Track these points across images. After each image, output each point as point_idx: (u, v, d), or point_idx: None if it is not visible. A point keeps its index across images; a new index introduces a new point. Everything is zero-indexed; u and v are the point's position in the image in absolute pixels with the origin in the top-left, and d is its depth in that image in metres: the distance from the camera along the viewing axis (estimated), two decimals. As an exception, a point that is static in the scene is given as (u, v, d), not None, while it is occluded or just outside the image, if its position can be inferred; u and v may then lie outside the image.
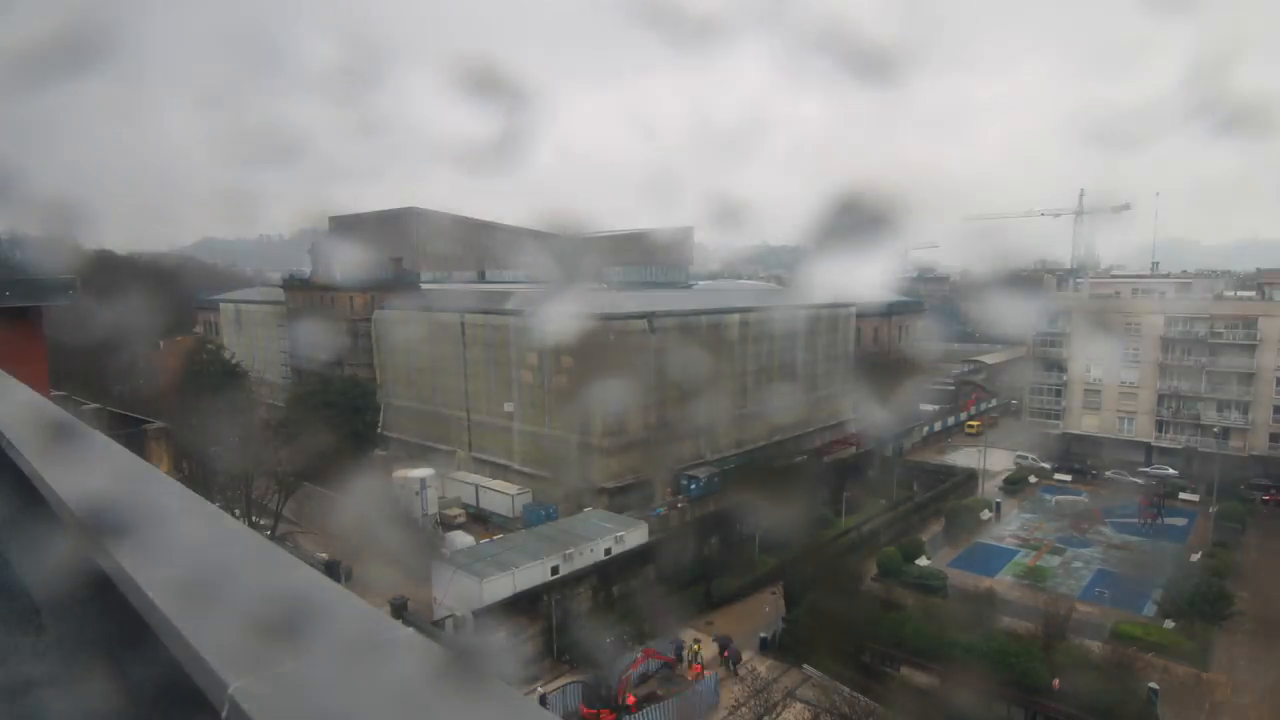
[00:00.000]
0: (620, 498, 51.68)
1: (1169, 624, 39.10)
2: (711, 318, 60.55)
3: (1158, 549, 50.19)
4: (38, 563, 2.40)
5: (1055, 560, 49.87)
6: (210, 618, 1.39)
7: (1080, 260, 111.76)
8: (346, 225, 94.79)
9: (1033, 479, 65.31)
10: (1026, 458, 67.70)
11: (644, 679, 34.13)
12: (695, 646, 36.70)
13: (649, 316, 55.15)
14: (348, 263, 71.06)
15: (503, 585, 37.05)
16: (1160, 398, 67.22)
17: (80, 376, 41.29)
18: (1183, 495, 59.04)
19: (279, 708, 1.12)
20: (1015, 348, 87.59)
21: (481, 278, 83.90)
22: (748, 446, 60.43)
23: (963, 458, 67.89)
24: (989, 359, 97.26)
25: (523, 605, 36.54)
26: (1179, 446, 65.65)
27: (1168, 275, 75.34)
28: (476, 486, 54.15)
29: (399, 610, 35.25)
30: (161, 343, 76.64)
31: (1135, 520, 54.68)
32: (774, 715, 31.53)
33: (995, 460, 64.39)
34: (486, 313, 60.13)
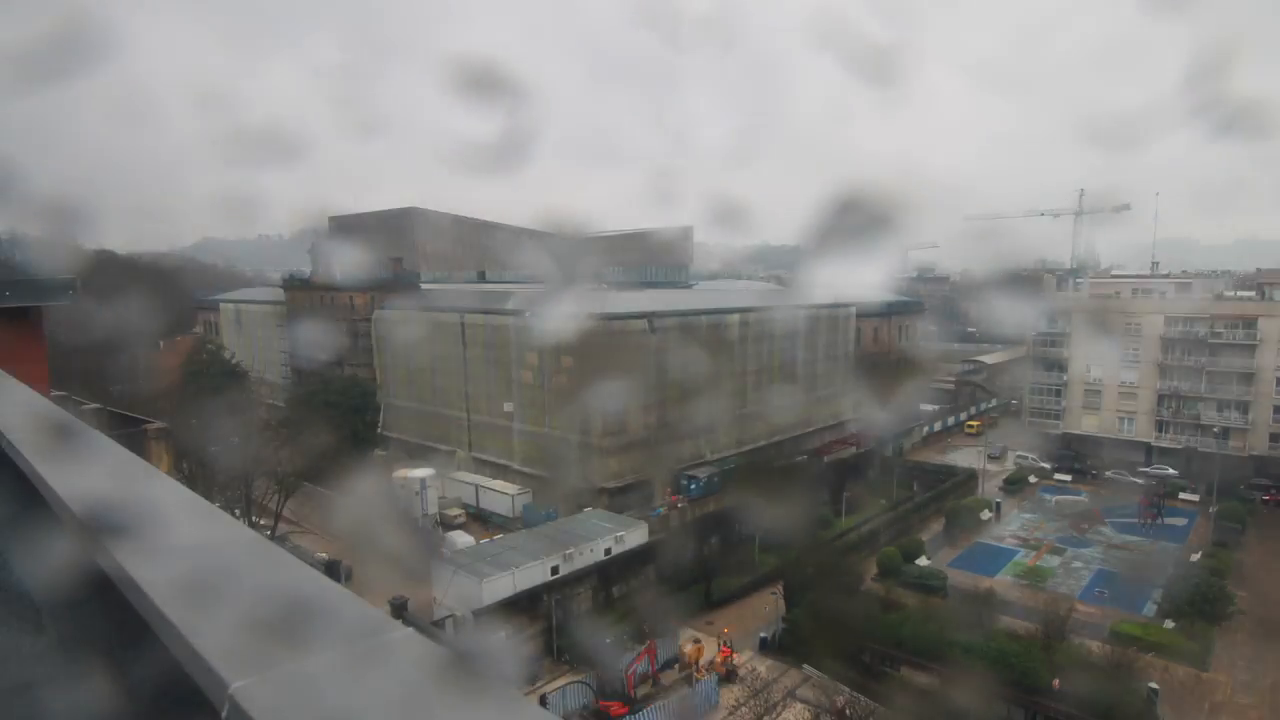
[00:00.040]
0: (620, 498, 51.68)
1: (1169, 624, 39.10)
2: (711, 318, 60.57)
3: (1158, 549, 50.21)
4: (38, 563, 2.39)
5: (1055, 560, 49.87)
6: (210, 618, 1.39)
7: (1080, 260, 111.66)
8: (346, 225, 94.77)
9: (1033, 479, 65.34)
10: (1027, 458, 67.73)
11: (644, 679, 34.14)
12: (698, 646, 36.66)
13: (649, 316, 55.15)
14: (348, 263, 71.10)
15: (503, 585, 37.05)
16: (1160, 398, 67.21)
17: (80, 376, 41.27)
18: (1183, 495, 59.06)
19: (279, 708, 1.12)
20: (1015, 348, 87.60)
21: (481, 278, 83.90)
22: (748, 446, 60.44)
23: (964, 458, 67.95)
24: (989, 359, 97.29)
25: (523, 605, 36.55)
26: (1179, 446, 65.65)
27: (1168, 275, 75.26)
28: (476, 486, 54.16)
29: (399, 610, 35.17)
30: (161, 343, 76.64)
31: (1135, 520, 54.69)
32: (774, 715, 31.53)
33: (995, 460, 64.42)
34: (486, 313, 60.13)
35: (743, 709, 31.25)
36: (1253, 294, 67.54)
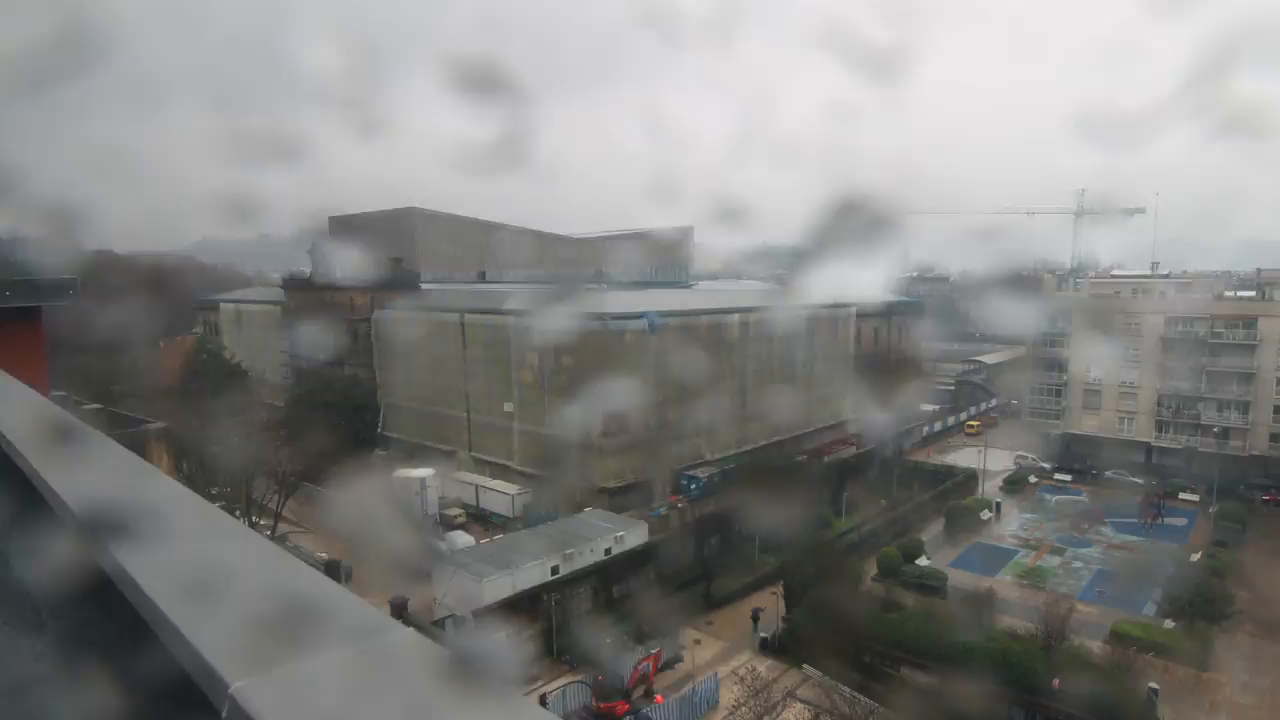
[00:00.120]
0: (620, 498, 51.69)
1: (1169, 624, 39.09)
2: (711, 318, 60.56)
3: (1158, 549, 50.15)
4: (38, 563, 2.40)
5: (1055, 560, 49.88)
6: (210, 618, 1.39)
7: (1080, 260, 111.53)
8: (346, 225, 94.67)
9: (1033, 479, 65.33)
10: (1027, 457, 67.72)
11: (644, 679, 34.13)
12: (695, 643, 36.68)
13: (649, 316, 55.15)
14: (348, 263, 71.02)
15: (503, 585, 37.06)
16: (1160, 398, 67.22)
17: (80, 376, 41.31)
18: (1183, 495, 59.04)
19: (279, 708, 1.13)
20: (1015, 348, 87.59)
21: (481, 278, 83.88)
22: (748, 446, 60.43)
23: (965, 458, 67.90)
24: (989, 359, 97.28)
25: (523, 605, 36.55)
26: (1179, 446, 65.65)
27: (1168, 275, 75.25)
28: (476, 486, 54.16)
29: (399, 610, 35.25)
30: (161, 343, 76.60)
31: (1135, 520, 54.68)
32: (774, 715, 31.51)
33: (995, 460, 64.38)
34: (486, 313, 60.12)
35: (743, 709, 31.23)
36: (1253, 294, 67.55)
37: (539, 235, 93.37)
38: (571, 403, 51.59)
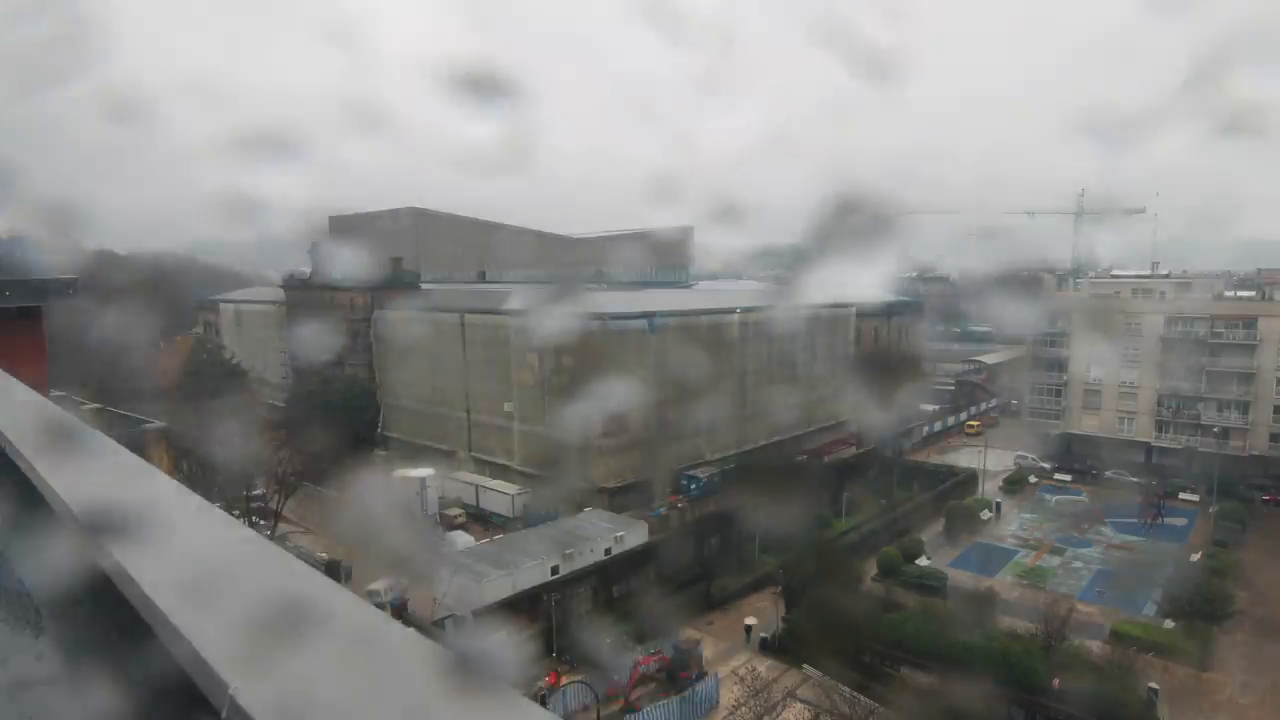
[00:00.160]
0: (620, 498, 51.69)
1: (1169, 624, 39.09)
2: (711, 318, 60.55)
3: (1158, 549, 50.16)
4: (38, 563, 2.40)
5: (1055, 560, 49.87)
6: (211, 618, 1.39)
7: (1080, 260, 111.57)
8: (346, 225, 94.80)
9: (1033, 479, 65.33)
10: (1027, 458, 67.73)
11: (644, 679, 34.13)
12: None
13: (649, 316, 55.16)
14: (348, 263, 71.00)
15: (503, 585, 37.05)
16: (1160, 398, 67.21)
17: (80, 376, 41.28)
18: (1183, 495, 59.04)
19: (279, 708, 1.13)
20: (1015, 348, 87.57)
21: (482, 278, 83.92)
22: (748, 446, 60.42)
23: (965, 458, 67.90)
24: (989, 359, 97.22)
25: (523, 605, 36.53)
26: (1179, 446, 65.65)
27: (1168, 275, 75.27)
28: (476, 486, 54.15)
29: (399, 610, 35.27)
30: (161, 343, 76.61)
31: (1135, 520, 54.69)
32: (774, 715, 31.51)
33: (995, 460, 64.39)
34: (486, 313, 60.13)
35: (743, 709, 31.23)
36: (1253, 294, 67.57)
37: (539, 235, 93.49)
38: (571, 403, 51.57)
